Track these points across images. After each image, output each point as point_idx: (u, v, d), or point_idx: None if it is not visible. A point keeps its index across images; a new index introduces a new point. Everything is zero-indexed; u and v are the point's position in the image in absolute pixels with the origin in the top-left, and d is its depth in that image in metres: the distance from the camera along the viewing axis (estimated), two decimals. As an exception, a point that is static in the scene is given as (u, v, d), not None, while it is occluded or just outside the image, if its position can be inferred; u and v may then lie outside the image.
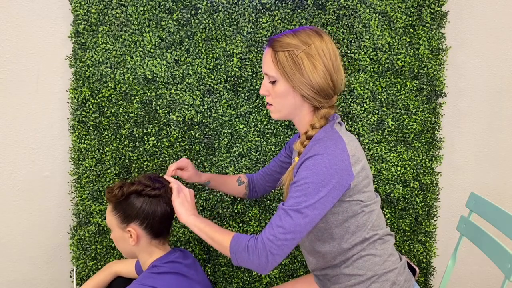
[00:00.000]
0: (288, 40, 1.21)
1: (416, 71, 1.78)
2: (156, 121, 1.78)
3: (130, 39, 1.74)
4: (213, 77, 1.77)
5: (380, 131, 1.81)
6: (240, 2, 1.73)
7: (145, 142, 1.79)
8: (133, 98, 1.77)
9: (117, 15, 1.72)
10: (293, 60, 1.19)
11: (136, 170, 1.80)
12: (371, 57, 1.77)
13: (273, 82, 1.23)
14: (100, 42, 1.73)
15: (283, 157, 1.53)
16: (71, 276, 1.91)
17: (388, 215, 1.85)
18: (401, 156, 1.82)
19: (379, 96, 1.79)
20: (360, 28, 1.75)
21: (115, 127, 1.78)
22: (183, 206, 1.29)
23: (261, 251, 1.14)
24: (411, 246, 1.87)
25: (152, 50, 1.74)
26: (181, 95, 1.77)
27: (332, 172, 1.14)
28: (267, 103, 1.28)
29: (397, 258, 1.30)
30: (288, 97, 1.23)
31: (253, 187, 1.59)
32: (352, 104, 1.79)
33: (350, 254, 1.25)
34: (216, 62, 1.76)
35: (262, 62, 1.75)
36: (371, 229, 1.25)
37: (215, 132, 1.79)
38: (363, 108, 1.79)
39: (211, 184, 1.56)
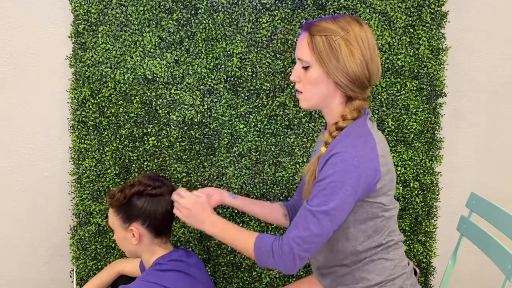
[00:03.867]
0: (327, 25, 1.16)
1: (416, 71, 1.78)
2: (156, 121, 1.78)
3: (130, 39, 1.74)
4: (213, 77, 1.77)
5: (380, 131, 1.81)
6: (240, 2, 1.73)
7: (145, 142, 1.79)
8: (133, 98, 1.77)
9: (117, 15, 1.72)
10: (330, 46, 1.14)
11: (136, 170, 1.80)
12: (371, 57, 1.77)
13: (306, 68, 1.18)
14: (100, 42, 1.73)
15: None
16: (71, 276, 1.91)
17: (388, 215, 1.85)
18: (401, 156, 1.82)
19: (379, 96, 1.79)
20: (360, 28, 1.75)
21: (115, 127, 1.78)
22: (190, 218, 1.26)
23: (288, 255, 1.11)
24: (411, 246, 1.87)
25: (152, 50, 1.74)
26: (181, 95, 1.77)
27: (360, 171, 1.09)
28: (297, 90, 1.23)
29: (406, 263, 1.28)
30: (321, 84, 1.18)
31: (291, 208, 1.48)
32: (352, 104, 1.79)
33: (362, 257, 1.22)
34: (216, 62, 1.76)
35: (262, 62, 1.75)
36: (388, 235, 1.22)
37: (215, 132, 1.79)
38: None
39: (239, 205, 1.45)
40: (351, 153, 1.10)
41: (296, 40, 1.74)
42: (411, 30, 1.76)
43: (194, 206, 1.27)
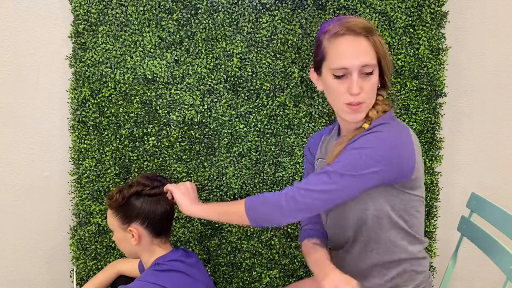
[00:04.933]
0: (368, 24, 1.15)
1: (416, 71, 1.78)
2: (156, 121, 1.78)
3: (130, 39, 1.74)
4: (213, 77, 1.76)
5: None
6: (240, 2, 1.73)
7: (145, 142, 1.79)
8: (133, 98, 1.77)
9: (117, 15, 1.72)
10: (381, 43, 1.15)
11: (136, 170, 1.80)
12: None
13: (369, 74, 1.14)
14: (100, 42, 1.73)
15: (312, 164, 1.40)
16: (71, 276, 1.91)
17: (388, 215, 1.85)
18: (401, 156, 1.82)
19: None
20: (360, 28, 1.75)
21: (115, 127, 1.78)
22: (185, 196, 1.27)
23: (289, 193, 1.08)
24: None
25: (152, 50, 1.74)
26: (181, 95, 1.77)
27: (395, 153, 1.06)
28: (355, 103, 1.14)
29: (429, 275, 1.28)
30: (376, 86, 1.16)
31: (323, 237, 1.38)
32: (352, 104, 1.79)
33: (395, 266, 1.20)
34: (216, 62, 1.76)
35: (262, 62, 1.75)
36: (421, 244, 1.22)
37: (215, 132, 1.79)
38: (363, 108, 1.79)
39: None
40: (389, 132, 1.08)
41: (296, 40, 1.74)
42: (411, 30, 1.76)
43: (192, 188, 1.31)
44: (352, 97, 1.13)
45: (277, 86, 1.77)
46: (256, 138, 1.80)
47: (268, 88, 1.77)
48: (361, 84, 1.13)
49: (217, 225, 1.83)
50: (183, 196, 1.27)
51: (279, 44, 1.75)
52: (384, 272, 1.20)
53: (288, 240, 1.84)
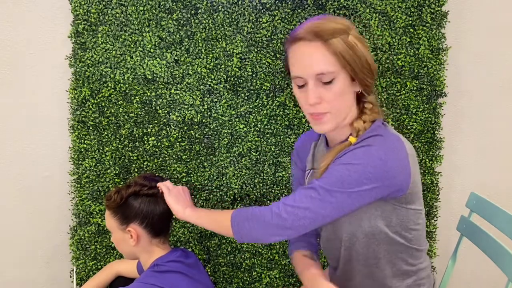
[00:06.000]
0: (331, 25, 1.03)
1: (416, 71, 1.78)
2: (156, 121, 1.78)
3: (130, 39, 1.74)
4: (213, 77, 1.76)
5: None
6: (240, 2, 1.73)
7: (145, 142, 1.79)
8: (133, 98, 1.77)
9: (117, 15, 1.72)
10: (348, 45, 1.02)
11: (136, 170, 1.80)
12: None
13: (329, 82, 1.03)
14: (100, 42, 1.73)
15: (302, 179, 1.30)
16: (71, 276, 1.91)
17: (388, 215, 1.85)
18: (401, 156, 1.82)
19: (379, 96, 1.79)
20: (360, 28, 1.75)
21: (115, 127, 1.78)
22: (178, 202, 1.25)
23: (274, 208, 1.01)
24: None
25: (152, 50, 1.74)
26: (181, 95, 1.77)
27: (386, 169, 0.98)
28: (316, 114, 1.05)
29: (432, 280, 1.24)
30: (347, 93, 1.05)
31: (313, 248, 1.32)
32: (352, 104, 1.79)
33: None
34: (216, 62, 1.76)
35: (262, 62, 1.75)
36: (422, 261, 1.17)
37: (215, 132, 1.79)
38: (363, 108, 1.79)
39: None
40: (378, 147, 1.00)
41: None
42: (411, 30, 1.76)
43: (184, 192, 1.29)
44: (312, 107, 1.05)
45: (277, 86, 1.78)
46: (256, 138, 1.80)
47: (268, 88, 1.77)
48: (321, 93, 1.03)
49: (217, 225, 1.83)
50: (176, 202, 1.24)
51: (279, 44, 1.75)
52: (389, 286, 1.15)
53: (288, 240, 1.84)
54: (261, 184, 1.82)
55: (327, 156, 1.08)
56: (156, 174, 1.40)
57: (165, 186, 1.30)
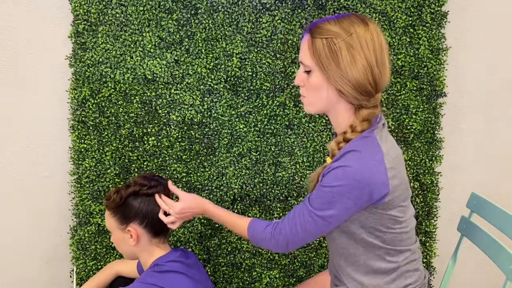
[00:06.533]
0: (329, 26, 1.09)
1: (416, 71, 1.78)
2: (156, 121, 1.78)
3: (130, 39, 1.74)
4: (213, 77, 1.76)
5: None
6: (240, 2, 1.73)
7: (145, 142, 1.79)
8: (133, 98, 1.77)
9: (117, 15, 1.72)
10: (331, 49, 1.08)
11: (136, 170, 1.80)
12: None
13: (308, 72, 1.13)
14: (100, 42, 1.73)
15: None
16: (71, 276, 1.91)
17: (388, 215, 1.85)
18: (401, 156, 1.82)
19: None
20: (360, 28, 1.75)
21: (115, 127, 1.78)
22: (188, 217, 1.34)
23: (281, 242, 1.18)
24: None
25: (152, 50, 1.74)
26: (181, 95, 1.77)
27: (362, 186, 1.06)
28: (301, 95, 1.18)
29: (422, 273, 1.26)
30: (322, 90, 1.12)
31: None
32: (352, 104, 1.79)
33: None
34: (216, 62, 1.76)
35: (262, 62, 1.75)
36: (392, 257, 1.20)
37: (215, 132, 1.79)
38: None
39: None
40: (355, 167, 1.06)
41: (296, 40, 1.74)
42: (411, 30, 1.76)
43: (187, 209, 1.33)
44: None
45: (277, 86, 1.77)
46: (256, 138, 1.80)
47: (268, 88, 1.77)
48: (303, 78, 1.15)
49: (217, 225, 1.83)
50: (186, 219, 1.37)
51: (279, 44, 1.75)
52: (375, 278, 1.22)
53: (288, 240, 1.84)
54: (261, 184, 1.82)
55: (315, 173, 1.21)
56: (156, 174, 1.40)
57: (168, 209, 1.33)
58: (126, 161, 1.80)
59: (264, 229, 1.21)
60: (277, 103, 1.78)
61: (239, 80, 1.77)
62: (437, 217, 1.87)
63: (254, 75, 1.77)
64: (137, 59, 1.74)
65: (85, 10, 1.71)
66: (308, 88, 1.14)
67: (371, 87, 1.09)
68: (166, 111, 1.78)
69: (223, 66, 1.76)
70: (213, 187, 1.81)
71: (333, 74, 1.09)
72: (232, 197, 1.83)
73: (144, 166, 1.80)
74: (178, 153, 1.80)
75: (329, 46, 1.08)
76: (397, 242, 1.17)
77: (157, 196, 1.32)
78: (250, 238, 1.25)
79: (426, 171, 1.83)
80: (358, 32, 1.08)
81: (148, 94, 1.76)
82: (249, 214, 1.83)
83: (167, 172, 1.80)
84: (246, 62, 1.76)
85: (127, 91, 1.76)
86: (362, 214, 1.13)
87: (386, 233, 1.15)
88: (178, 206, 1.30)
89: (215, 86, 1.77)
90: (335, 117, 1.17)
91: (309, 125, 1.79)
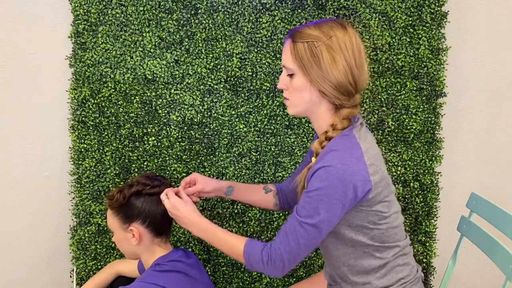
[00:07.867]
0: (309, 31, 1.15)
1: (416, 71, 1.78)
2: (156, 121, 1.78)
3: (130, 39, 1.74)
4: (213, 77, 1.76)
5: (380, 131, 1.81)
6: (240, 2, 1.73)
7: (145, 142, 1.79)
8: (133, 98, 1.77)
9: (117, 15, 1.72)
10: (312, 52, 1.13)
11: (136, 170, 1.80)
12: (371, 57, 1.77)
13: (291, 75, 1.18)
14: (100, 42, 1.73)
15: (310, 161, 1.45)
16: (71, 276, 1.91)
17: (388, 215, 1.85)
18: (401, 156, 1.82)
19: (379, 96, 1.79)
20: (360, 28, 1.75)
21: (115, 127, 1.78)
22: (180, 222, 1.27)
23: (278, 263, 1.14)
24: (411, 246, 1.87)
25: (152, 50, 1.74)
26: (181, 95, 1.77)
27: (346, 183, 1.09)
28: (285, 97, 1.22)
29: (414, 267, 1.28)
30: (305, 92, 1.16)
31: (283, 195, 1.48)
32: (352, 104, 1.79)
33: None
34: (216, 62, 1.76)
35: (262, 62, 1.75)
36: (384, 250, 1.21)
37: (215, 132, 1.79)
38: (363, 108, 1.79)
39: (234, 194, 1.46)
40: (336, 166, 1.09)
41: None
42: (411, 30, 1.76)
43: (181, 211, 1.26)
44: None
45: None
46: (256, 138, 1.80)
47: (268, 88, 1.77)
48: (286, 82, 1.19)
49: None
50: (178, 222, 1.28)
51: (279, 44, 1.75)
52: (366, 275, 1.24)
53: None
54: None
55: (301, 175, 1.21)
56: (157, 174, 1.40)
57: (164, 198, 1.30)
58: (126, 161, 1.80)
59: (262, 250, 1.16)
60: (277, 103, 1.78)
61: (239, 80, 1.77)
62: (437, 217, 1.87)
63: (254, 75, 1.77)
64: (137, 59, 1.74)
65: (85, 10, 1.71)
66: (292, 90, 1.18)
67: (352, 87, 1.15)
68: (166, 111, 1.78)
69: (223, 66, 1.76)
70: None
71: (315, 75, 1.14)
72: (232, 197, 1.83)
73: (144, 166, 1.80)
74: (178, 153, 1.80)
75: (310, 49, 1.14)
76: (385, 238, 1.20)
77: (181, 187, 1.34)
78: (246, 260, 1.19)
79: (426, 171, 1.83)
80: (338, 35, 1.14)
81: (148, 94, 1.76)
82: (249, 214, 1.83)
83: (167, 172, 1.80)
84: (246, 62, 1.76)
85: (127, 91, 1.76)
86: (348, 213, 1.15)
87: (373, 230, 1.18)
88: (177, 201, 1.27)
89: (215, 86, 1.77)
90: (317, 118, 1.21)
91: (309, 125, 1.79)
